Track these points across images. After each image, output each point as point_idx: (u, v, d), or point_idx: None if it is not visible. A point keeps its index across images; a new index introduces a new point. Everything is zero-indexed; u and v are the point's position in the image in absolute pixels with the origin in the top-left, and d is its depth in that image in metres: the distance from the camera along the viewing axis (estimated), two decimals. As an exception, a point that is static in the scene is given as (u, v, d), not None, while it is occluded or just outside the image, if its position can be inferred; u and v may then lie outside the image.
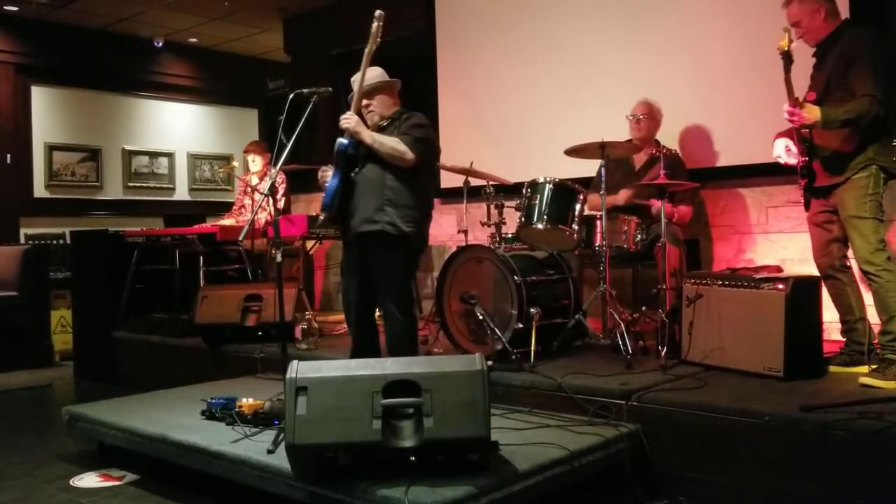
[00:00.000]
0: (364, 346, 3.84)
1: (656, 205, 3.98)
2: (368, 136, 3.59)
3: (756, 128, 4.54)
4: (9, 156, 7.85)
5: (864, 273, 3.33)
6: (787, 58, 3.25)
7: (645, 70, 5.00)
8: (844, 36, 3.39)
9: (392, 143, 3.57)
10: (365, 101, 3.72)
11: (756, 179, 4.64)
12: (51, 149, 8.22)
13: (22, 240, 7.76)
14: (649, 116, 4.49)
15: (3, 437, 4.27)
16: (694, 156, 4.74)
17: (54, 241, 7.76)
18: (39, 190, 8.12)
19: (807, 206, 3.51)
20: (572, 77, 5.45)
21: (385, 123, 3.75)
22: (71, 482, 3.44)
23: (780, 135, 3.57)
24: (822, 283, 3.49)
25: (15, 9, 7.59)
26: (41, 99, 8.20)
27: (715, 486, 2.90)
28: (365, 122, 3.73)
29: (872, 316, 3.47)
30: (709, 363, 3.53)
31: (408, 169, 3.58)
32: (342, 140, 3.61)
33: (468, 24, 6.18)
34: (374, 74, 3.75)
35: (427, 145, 3.65)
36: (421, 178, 3.66)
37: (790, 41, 3.25)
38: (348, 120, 3.58)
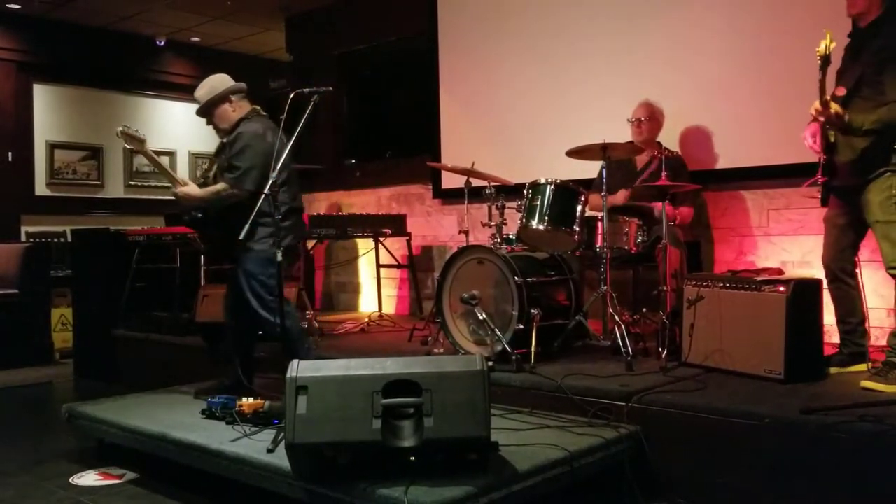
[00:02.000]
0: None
1: (658, 206, 3.98)
2: (200, 200, 3.75)
3: (758, 130, 4.55)
4: (10, 153, 7.86)
5: (893, 276, 3.28)
6: (825, 61, 3.11)
7: (647, 71, 5.00)
8: (885, 30, 3.27)
9: (218, 197, 3.69)
10: (207, 122, 3.86)
11: (757, 182, 4.64)
12: (52, 147, 8.23)
13: (23, 238, 7.76)
14: (650, 119, 4.48)
15: (2, 434, 4.27)
16: (695, 157, 4.73)
17: (55, 240, 7.76)
18: (41, 188, 8.14)
19: (823, 202, 3.46)
20: (574, 78, 5.45)
21: (226, 140, 3.78)
22: (71, 480, 3.44)
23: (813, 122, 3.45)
24: (824, 285, 3.47)
25: (17, 6, 7.61)
26: (43, 97, 8.22)
27: (715, 489, 2.90)
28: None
29: (875, 320, 3.45)
30: (709, 365, 3.53)
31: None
32: (184, 218, 3.92)
33: (470, 26, 6.18)
34: (202, 93, 3.78)
35: (249, 171, 3.63)
36: (256, 196, 3.55)
37: (831, 41, 3.09)
38: (175, 195, 3.77)
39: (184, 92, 9.15)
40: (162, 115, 9.11)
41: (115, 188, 8.67)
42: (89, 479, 3.46)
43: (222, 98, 3.79)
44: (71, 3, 7.54)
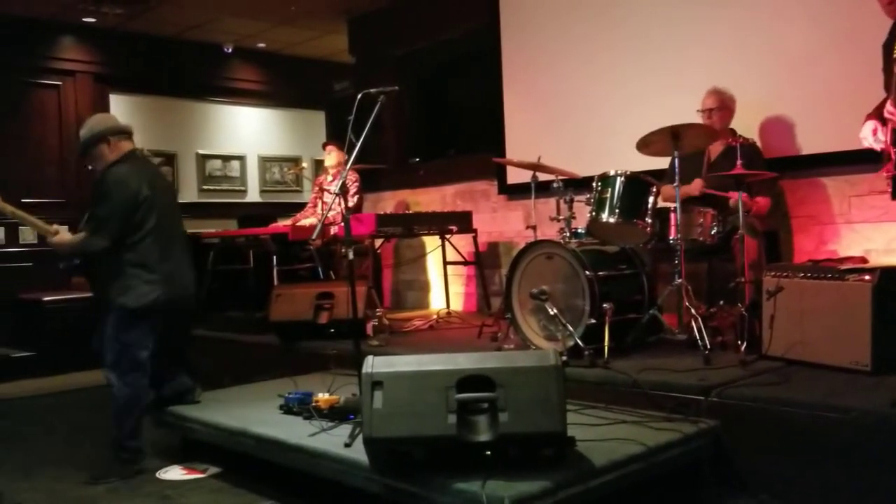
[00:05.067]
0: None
1: (734, 196, 3.87)
2: (70, 248, 3.61)
3: (837, 114, 4.38)
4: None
5: None
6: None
7: (719, 56, 4.87)
8: None
9: (82, 245, 3.55)
10: (84, 160, 3.74)
11: (838, 168, 4.46)
12: (129, 154, 8.52)
13: (104, 243, 8.05)
14: (721, 107, 4.35)
15: (89, 432, 4.42)
16: (771, 145, 4.59)
17: (134, 244, 8.03)
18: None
19: (894, 195, 3.36)
20: (643, 65, 5.34)
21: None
22: (157, 475, 3.56)
23: (870, 116, 3.39)
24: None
25: (93, 20, 7.90)
26: (119, 106, 8.51)
27: (799, 484, 2.81)
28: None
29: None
30: (791, 358, 3.42)
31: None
32: (60, 266, 3.76)
33: (533, 16, 6.13)
34: (84, 131, 3.64)
35: (106, 220, 3.48)
36: (123, 246, 3.52)
37: None
38: (51, 244, 3.62)
39: (252, 97, 9.41)
40: (231, 121, 9.34)
41: (189, 193, 8.94)
42: (174, 473, 3.58)
43: (99, 138, 3.60)
44: (142, 15, 7.80)
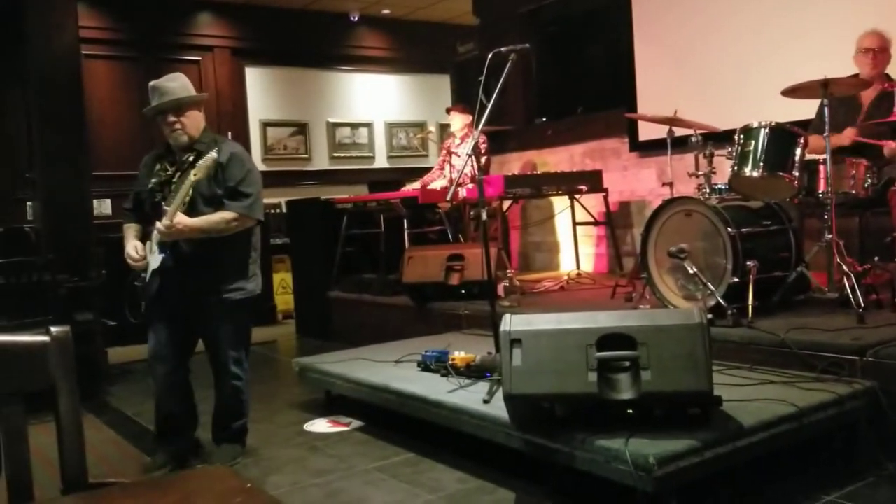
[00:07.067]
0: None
1: (890, 145, 3.60)
2: (200, 231, 3.15)
3: None
4: (230, 133, 8.57)
5: None
6: None
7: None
8: None
9: (223, 225, 3.17)
10: (171, 118, 3.22)
11: None
12: (265, 125, 8.91)
13: (244, 210, 8.48)
14: (882, 49, 4.03)
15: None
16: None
17: (272, 211, 8.41)
18: (257, 163, 8.76)
19: None
20: (785, 8, 5.02)
21: (193, 155, 3.22)
22: (304, 427, 3.76)
23: None
24: None
25: (228, -4, 8.27)
26: (254, 79, 8.89)
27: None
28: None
29: None
30: (958, 317, 3.18)
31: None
32: (161, 257, 3.19)
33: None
34: (179, 85, 3.27)
35: (259, 198, 3.26)
36: (247, 230, 3.30)
37: None
38: (167, 232, 3.10)
39: (378, 64, 9.58)
40: (359, 89, 9.54)
41: (320, 160, 9.25)
42: (321, 426, 3.77)
43: (199, 101, 3.35)
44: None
